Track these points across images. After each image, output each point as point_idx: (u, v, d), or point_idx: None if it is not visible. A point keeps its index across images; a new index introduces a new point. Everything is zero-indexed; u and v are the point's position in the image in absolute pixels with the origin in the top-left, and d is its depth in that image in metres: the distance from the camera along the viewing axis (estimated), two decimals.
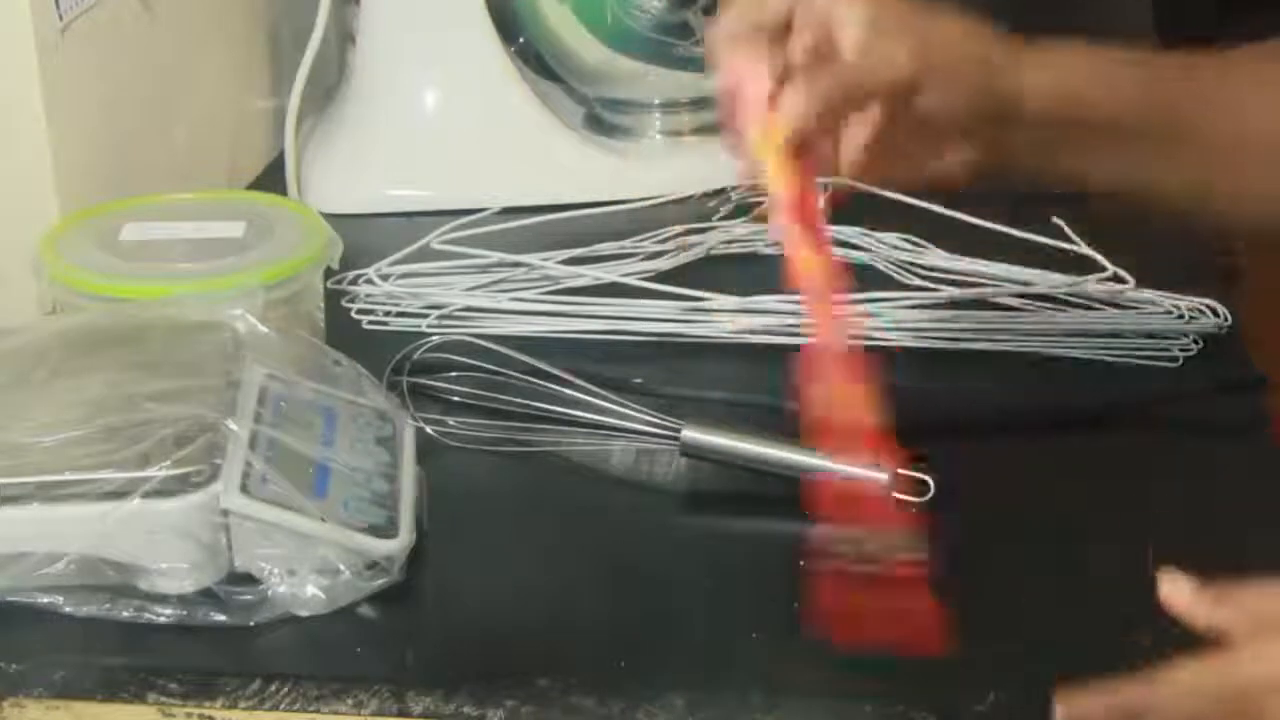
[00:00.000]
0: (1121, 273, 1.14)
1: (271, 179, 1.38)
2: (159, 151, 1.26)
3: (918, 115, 0.86)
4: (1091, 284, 1.14)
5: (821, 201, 0.84)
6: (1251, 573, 0.89)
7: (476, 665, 0.83)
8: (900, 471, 0.94)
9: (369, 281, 1.18)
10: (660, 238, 1.24)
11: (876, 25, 0.84)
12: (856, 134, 0.84)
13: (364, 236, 1.24)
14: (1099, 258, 1.16)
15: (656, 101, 1.41)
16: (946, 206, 1.21)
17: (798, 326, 1.11)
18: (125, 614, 0.85)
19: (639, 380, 1.07)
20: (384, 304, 1.17)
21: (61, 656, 0.83)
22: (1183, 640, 0.85)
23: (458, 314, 1.15)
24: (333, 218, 1.12)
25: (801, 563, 0.89)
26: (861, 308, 1.12)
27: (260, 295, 0.99)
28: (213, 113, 1.36)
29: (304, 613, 0.85)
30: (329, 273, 1.10)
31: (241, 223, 1.08)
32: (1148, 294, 1.13)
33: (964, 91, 0.86)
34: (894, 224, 1.23)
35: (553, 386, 1.02)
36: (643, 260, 1.21)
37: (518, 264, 1.19)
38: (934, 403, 1.07)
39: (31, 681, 0.83)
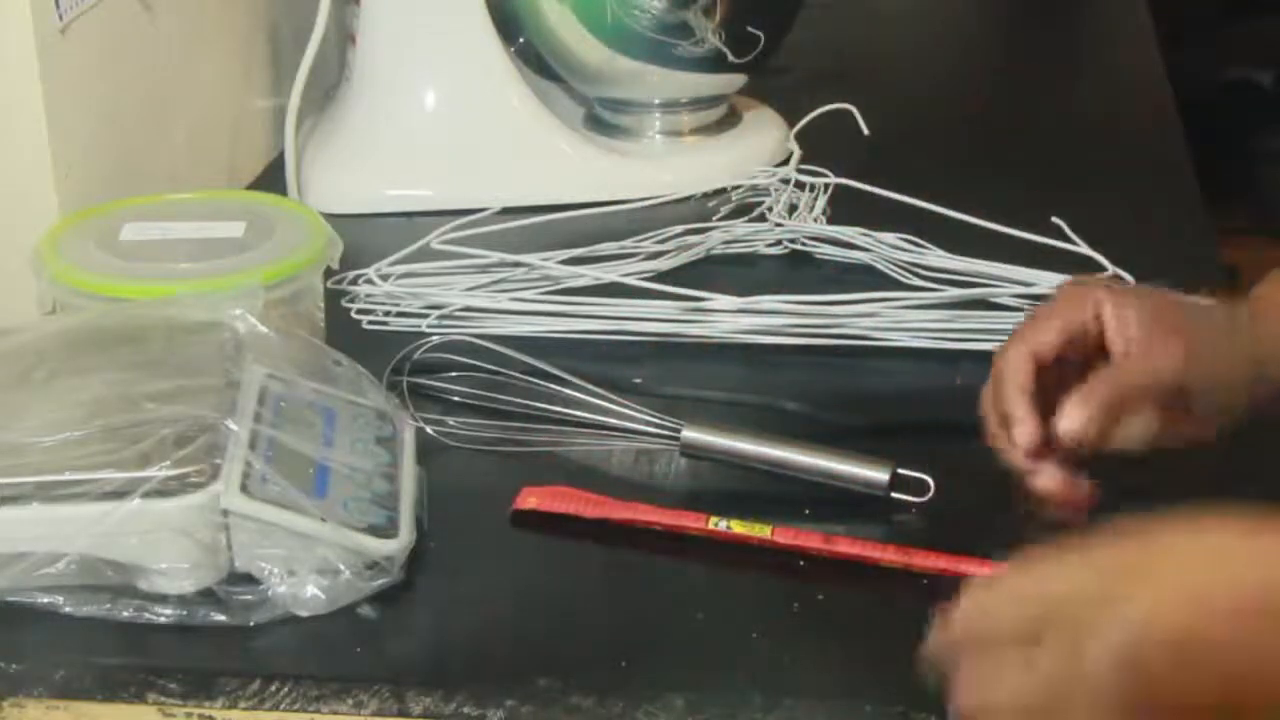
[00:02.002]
0: (1121, 273, 1.14)
1: (271, 179, 1.38)
2: (159, 151, 1.26)
3: (1184, 405, 0.88)
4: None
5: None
6: None
7: (476, 665, 0.83)
8: (900, 471, 0.94)
9: (369, 281, 1.19)
10: (660, 238, 1.24)
11: (1152, 326, 0.87)
12: (1132, 433, 0.88)
13: (364, 236, 1.24)
14: (1099, 258, 1.16)
15: (656, 101, 1.41)
16: (946, 207, 1.21)
17: (797, 326, 1.12)
18: (125, 614, 0.85)
19: (639, 380, 1.07)
20: (384, 304, 1.17)
21: (61, 656, 0.83)
22: None
23: (458, 314, 1.15)
24: (333, 218, 1.12)
25: (801, 562, 0.89)
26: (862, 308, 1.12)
27: (260, 295, 0.99)
28: (213, 113, 1.36)
29: (304, 613, 0.85)
30: (329, 273, 1.10)
31: (241, 223, 1.08)
32: None
33: (1228, 386, 0.89)
34: (894, 224, 1.23)
35: (553, 386, 1.02)
36: (643, 260, 1.21)
37: (518, 264, 1.19)
38: (934, 403, 1.07)
39: (31, 681, 0.83)
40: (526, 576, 0.91)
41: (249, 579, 0.86)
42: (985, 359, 1.09)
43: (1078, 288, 0.92)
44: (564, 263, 1.19)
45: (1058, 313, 0.90)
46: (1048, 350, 0.89)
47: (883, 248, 1.21)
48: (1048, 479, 0.87)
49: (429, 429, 1.00)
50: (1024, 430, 0.87)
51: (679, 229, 1.25)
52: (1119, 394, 0.87)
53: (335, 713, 0.81)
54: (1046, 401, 0.88)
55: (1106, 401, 0.86)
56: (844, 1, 1.82)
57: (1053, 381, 0.89)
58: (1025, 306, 1.14)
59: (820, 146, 1.36)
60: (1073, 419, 0.86)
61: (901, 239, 1.22)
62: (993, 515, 0.95)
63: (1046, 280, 1.15)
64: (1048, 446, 0.87)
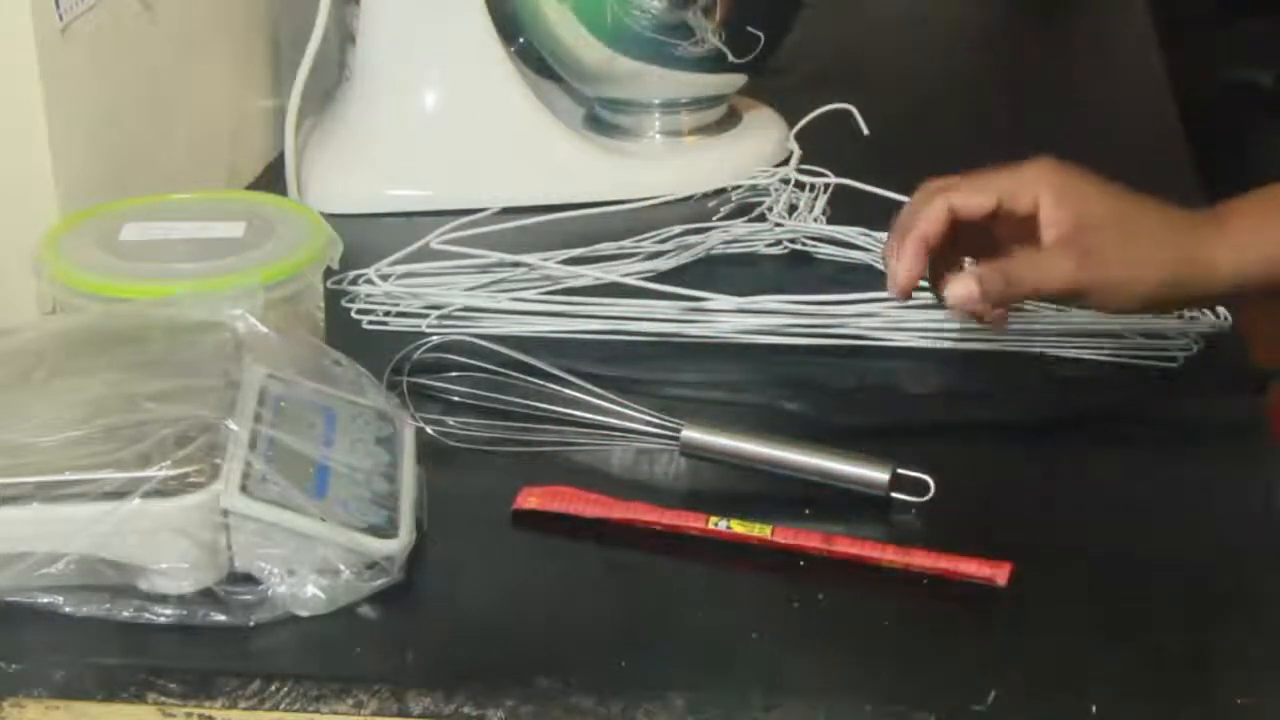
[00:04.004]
0: None
1: (271, 179, 1.38)
2: (159, 151, 1.26)
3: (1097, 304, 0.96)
4: None
5: None
6: (1251, 573, 0.90)
7: (476, 665, 0.83)
8: (900, 471, 0.94)
9: (369, 281, 1.19)
10: (660, 238, 1.24)
11: (1074, 234, 0.93)
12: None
13: (364, 236, 1.24)
14: None
15: (656, 101, 1.41)
16: None
17: (797, 326, 1.12)
18: (125, 614, 0.85)
19: (639, 380, 1.07)
20: (384, 304, 1.17)
21: (61, 656, 0.83)
22: (1182, 642, 0.85)
23: (457, 314, 1.15)
24: (333, 218, 1.12)
25: (801, 562, 0.89)
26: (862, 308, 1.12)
27: (260, 295, 0.99)
28: (213, 113, 1.36)
29: (304, 613, 0.85)
30: (329, 273, 1.10)
31: (241, 223, 1.08)
32: None
33: (1141, 296, 0.95)
34: None
35: (553, 386, 1.02)
36: (643, 260, 1.21)
37: (518, 264, 1.19)
38: (934, 403, 1.07)
39: (31, 681, 0.83)
40: (526, 576, 0.91)
41: (249, 579, 0.86)
42: (986, 359, 1.10)
43: (1036, 168, 0.97)
44: (564, 263, 1.19)
45: (1000, 185, 0.95)
46: (970, 214, 0.95)
47: (883, 248, 1.21)
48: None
49: (429, 429, 1.00)
50: (902, 273, 0.94)
51: (679, 229, 1.25)
52: (1009, 291, 0.94)
53: (335, 713, 0.81)
54: (956, 250, 0.96)
55: (995, 294, 0.93)
56: (844, 2, 1.82)
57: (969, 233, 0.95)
58: (1026, 306, 1.14)
59: (820, 146, 1.36)
60: (956, 297, 0.94)
61: None
62: (993, 515, 0.95)
63: None
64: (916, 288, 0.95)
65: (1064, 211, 0.93)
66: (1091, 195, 0.95)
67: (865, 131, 1.36)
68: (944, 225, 0.95)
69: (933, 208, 0.95)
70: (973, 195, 0.95)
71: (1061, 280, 0.93)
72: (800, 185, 1.31)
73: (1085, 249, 0.93)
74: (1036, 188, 0.95)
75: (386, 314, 1.16)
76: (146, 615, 0.85)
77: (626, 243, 1.23)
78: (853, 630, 0.86)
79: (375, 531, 0.86)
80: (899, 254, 0.95)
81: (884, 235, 1.21)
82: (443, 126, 1.37)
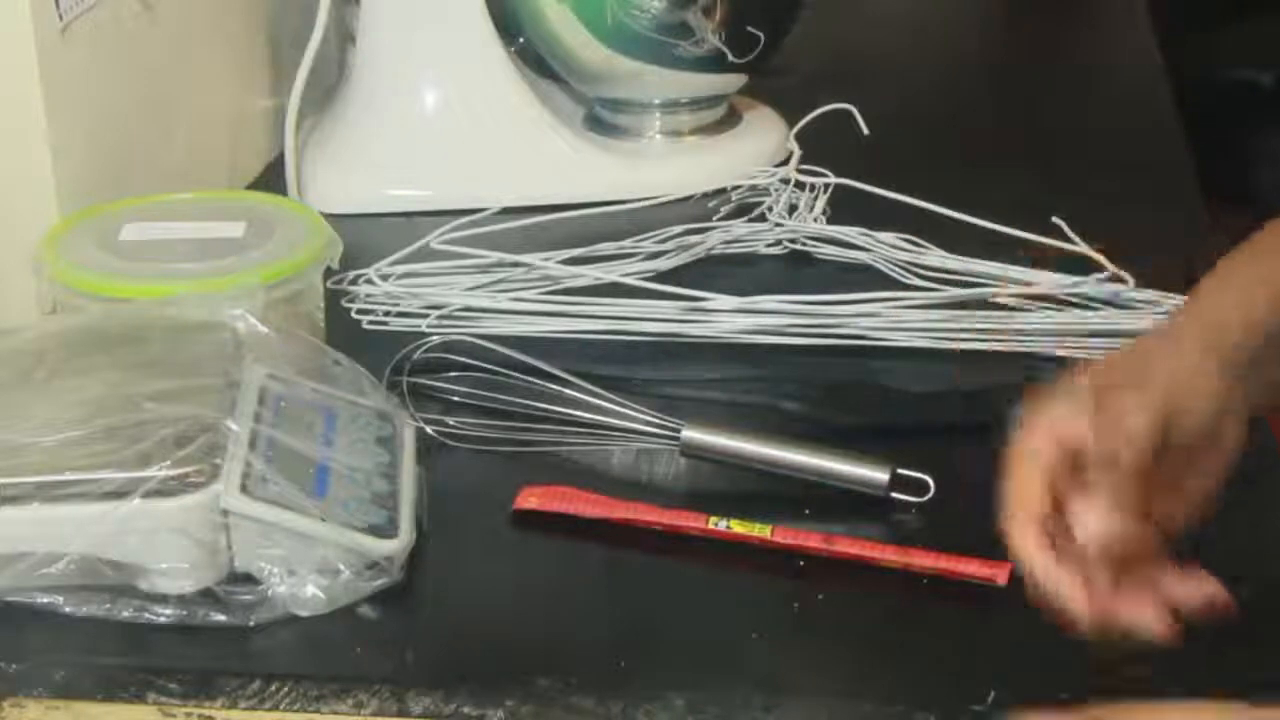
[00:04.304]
0: (1121, 273, 1.14)
1: (271, 179, 1.38)
2: (159, 151, 1.26)
3: (1179, 445, 0.81)
4: (1091, 284, 1.14)
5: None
6: (1250, 573, 0.90)
7: (476, 665, 0.83)
8: (900, 471, 0.94)
9: (369, 281, 1.19)
10: (660, 238, 1.24)
11: (1106, 394, 0.80)
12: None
13: (364, 236, 1.24)
14: (1099, 258, 1.16)
15: (656, 101, 1.41)
16: (946, 207, 1.21)
17: (797, 326, 1.12)
18: (125, 614, 0.85)
19: (639, 380, 1.07)
20: (384, 304, 1.17)
21: (61, 656, 0.83)
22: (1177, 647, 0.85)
23: (458, 314, 1.15)
24: (333, 218, 1.12)
25: (801, 562, 0.89)
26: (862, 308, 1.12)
27: (260, 295, 0.99)
28: (213, 113, 1.36)
29: (304, 613, 0.85)
30: (329, 273, 1.10)
31: (241, 223, 1.08)
32: (1148, 294, 1.13)
33: (1210, 402, 0.82)
34: (894, 224, 1.23)
35: (553, 386, 1.02)
36: (643, 260, 1.21)
37: (518, 264, 1.19)
38: (934, 403, 1.07)
39: (31, 681, 0.83)
40: (526, 576, 0.91)
41: (249, 579, 0.86)
42: (985, 359, 1.10)
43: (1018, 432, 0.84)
44: (564, 263, 1.19)
45: (1030, 450, 0.82)
46: (1036, 498, 0.81)
47: (883, 248, 1.21)
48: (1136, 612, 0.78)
49: (429, 429, 1.00)
50: (1037, 567, 0.78)
51: (679, 229, 1.25)
52: (1119, 471, 0.78)
53: (335, 713, 0.81)
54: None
55: (1113, 483, 0.78)
56: (844, 2, 1.82)
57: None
58: (1025, 306, 1.14)
59: (820, 146, 1.36)
60: (1099, 532, 0.78)
61: (901, 239, 1.22)
62: (993, 515, 0.95)
63: (1047, 280, 1.15)
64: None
65: (1072, 398, 0.81)
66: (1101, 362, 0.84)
67: (865, 131, 1.36)
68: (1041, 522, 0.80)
69: (1020, 534, 0.80)
70: (1026, 483, 0.81)
71: (1136, 410, 0.79)
72: (800, 185, 1.31)
73: (1124, 386, 0.80)
74: (1042, 414, 0.82)
75: (386, 314, 1.16)
76: (146, 615, 0.85)
77: (626, 243, 1.23)
78: (853, 630, 0.86)
79: (375, 531, 0.86)
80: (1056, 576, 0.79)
81: (884, 235, 1.22)
82: (443, 126, 1.36)
